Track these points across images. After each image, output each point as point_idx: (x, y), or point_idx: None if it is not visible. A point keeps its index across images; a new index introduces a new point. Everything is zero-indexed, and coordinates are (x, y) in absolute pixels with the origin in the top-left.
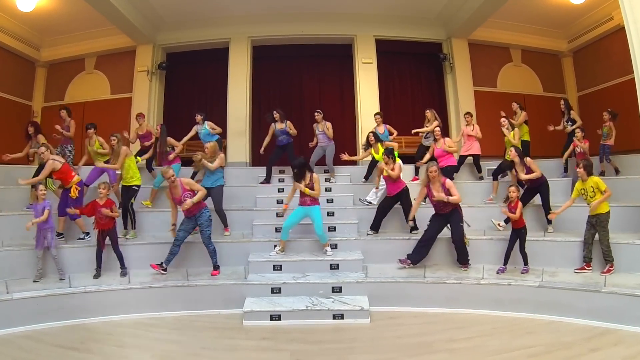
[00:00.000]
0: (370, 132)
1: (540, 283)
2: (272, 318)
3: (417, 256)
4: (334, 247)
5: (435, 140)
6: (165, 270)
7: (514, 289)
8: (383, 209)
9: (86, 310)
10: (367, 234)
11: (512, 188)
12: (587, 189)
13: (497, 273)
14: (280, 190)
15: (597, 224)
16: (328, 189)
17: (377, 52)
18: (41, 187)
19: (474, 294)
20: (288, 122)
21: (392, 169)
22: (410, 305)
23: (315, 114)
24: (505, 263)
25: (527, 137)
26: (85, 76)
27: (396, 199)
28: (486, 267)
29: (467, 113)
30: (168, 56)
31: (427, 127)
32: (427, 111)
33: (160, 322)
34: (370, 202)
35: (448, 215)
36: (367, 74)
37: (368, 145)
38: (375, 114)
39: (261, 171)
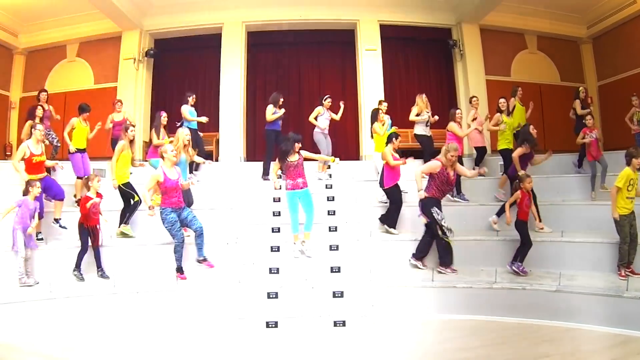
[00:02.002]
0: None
1: (558, 287)
2: (268, 325)
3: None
4: (335, 248)
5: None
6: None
7: (529, 293)
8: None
9: (68, 316)
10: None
11: (529, 179)
12: (635, 179)
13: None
14: (277, 188)
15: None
16: (329, 186)
17: (382, 38)
18: (37, 183)
19: (486, 298)
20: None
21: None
22: (418, 311)
23: (329, 100)
24: (522, 260)
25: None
26: (66, 64)
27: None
28: (499, 270)
29: (474, 97)
30: (156, 43)
31: (423, 116)
32: (423, 96)
33: (147, 330)
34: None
35: None
36: (370, 62)
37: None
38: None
39: (258, 166)
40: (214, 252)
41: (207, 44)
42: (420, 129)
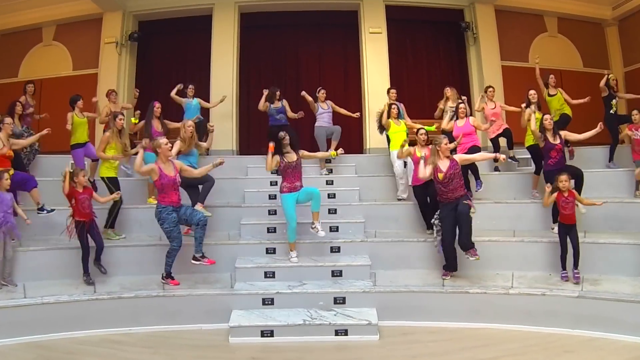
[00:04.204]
0: (392, 103)
1: (580, 293)
2: (263, 334)
3: (453, 262)
4: (337, 250)
5: (457, 118)
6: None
7: (548, 299)
8: (425, 203)
9: (43, 325)
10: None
11: (564, 177)
12: None
13: (564, 281)
14: (274, 184)
15: None
16: (329, 182)
17: (387, 20)
18: (5, 175)
19: (501, 305)
20: (284, 100)
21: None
22: (427, 319)
23: (322, 91)
24: (565, 268)
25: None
26: (42, 49)
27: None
28: (516, 274)
29: (490, 87)
30: (140, 25)
31: (446, 107)
32: (448, 89)
33: (131, 339)
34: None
35: (456, 203)
36: (375, 46)
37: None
38: (390, 89)
39: (251, 161)
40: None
41: (197, 27)
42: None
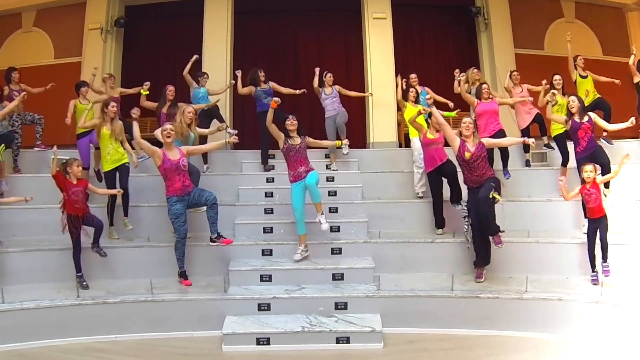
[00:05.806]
0: (412, 87)
1: (599, 298)
2: (259, 342)
3: (485, 254)
4: (338, 252)
5: (480, 98)
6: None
7: (565, 305)
8: (439, 195)
9: (23, 332)
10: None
11: (588, 167)
12: None
13: (594, 284)
14: (270, 180)
15: None
16: (330, 179)
17: (392, 5)
18: None
19: (515, 311)
20: (270, 82)
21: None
22: (435, 325)
23: (329, 75)
24: (594, 268)
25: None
26: (22, 35)
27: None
28: (530, 278)
29: (514, 71)
30: (127, 10)
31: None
32: (475, 70)
33: (117, 347)
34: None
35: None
36: (379, 33)
37: (405, 99)
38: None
39: (246, 155)
40: (195, 254)
41: (187, 12)
42: None
